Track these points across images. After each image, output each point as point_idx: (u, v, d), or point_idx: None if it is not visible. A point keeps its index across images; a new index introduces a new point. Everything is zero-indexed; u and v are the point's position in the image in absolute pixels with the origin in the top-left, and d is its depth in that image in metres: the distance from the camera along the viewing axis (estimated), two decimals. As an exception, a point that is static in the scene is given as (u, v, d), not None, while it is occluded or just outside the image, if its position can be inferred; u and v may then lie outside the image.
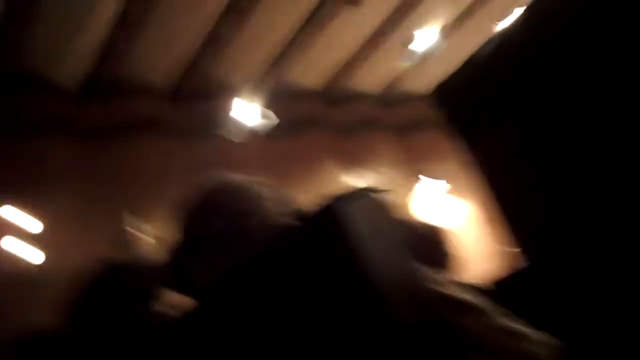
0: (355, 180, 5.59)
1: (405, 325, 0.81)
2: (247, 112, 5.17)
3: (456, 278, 1.91)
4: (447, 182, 5.98)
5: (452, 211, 5.91)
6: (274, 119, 5.07)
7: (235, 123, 5.18)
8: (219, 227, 1.06)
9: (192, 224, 1.11)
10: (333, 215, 0.84)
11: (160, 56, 4.90)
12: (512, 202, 0.66)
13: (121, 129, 4.93)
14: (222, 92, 5.25)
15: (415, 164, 6.03)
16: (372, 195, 0.90)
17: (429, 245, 1.90)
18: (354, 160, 5.74)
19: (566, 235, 0.59)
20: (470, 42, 4.37)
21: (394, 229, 0.91)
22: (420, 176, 5.97)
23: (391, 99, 6.27)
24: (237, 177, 1.17)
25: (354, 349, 0.81)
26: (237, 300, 0.93)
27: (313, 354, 0.84)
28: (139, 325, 1.35)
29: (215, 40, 4.91)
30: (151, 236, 4.01)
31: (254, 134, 5.25)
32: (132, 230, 4.22)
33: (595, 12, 0.53)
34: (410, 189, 5.86)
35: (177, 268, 1.10)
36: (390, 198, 0.92)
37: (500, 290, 1.72)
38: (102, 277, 1.45)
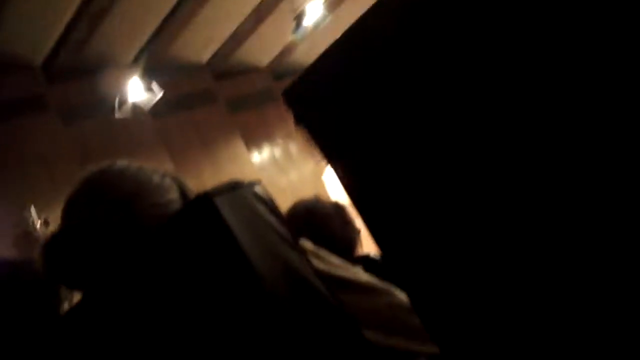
0: (252, 155, 5.56)
1: (287, 304, 0.82)
2: (133, 88, 4.97)
3: (361, 253, 1.93)
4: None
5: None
6: (160, 95, 4.91)
7: (121, 100, 4.97)
8: (100, 214, 1.00)
9: (73, 212, 1.04)
10: (204, 210, 0.82)
11: (34, 30, 4.58)
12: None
13: (1, 110, 4.61)
14: (104, 69, 5.02)
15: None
16: (249, 188, 0.89)
17: (336, 223, 1.90)
18: (248, 135, 5.69)
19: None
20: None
21: (274, 218, 0.90)
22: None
23: (282, 71, 6.24)
24: (124, 163, 1.10)
25: (239, 338, 0.81)
26: (123, 291, 0.89)
27: (198, 344, 0.83)
28: (42, 326, 1.27)
29: (95, 14, 4.65)
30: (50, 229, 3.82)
31: (141, 110, 5.06)
32: (33, 224, 4.00)
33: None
34: (312, 160, 5.90)
35: (57, 259, 1.03)
36: (264, 189, 0.92)
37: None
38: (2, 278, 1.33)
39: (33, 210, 4.13)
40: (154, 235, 0.89)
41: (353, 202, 0.68)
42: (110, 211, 0.98)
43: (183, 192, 1.03)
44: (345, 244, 1.90)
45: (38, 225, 4.04)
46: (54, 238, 1.02)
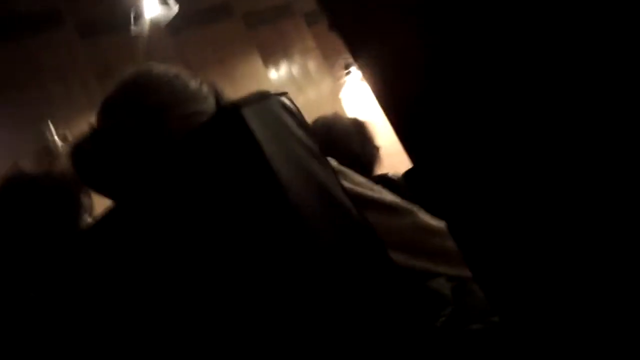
0: (270, 71, 5.47)
1: (320, 227, 0.80)
2: (149, 3, 4.84)
3: (378, 172, 1.91)
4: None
5: (370, 100, 5.92)
6: (176, 10, 4.78)
7: (137, 15, 4.86)
8: (132, 120, 0.97)
9: (107, 115, 1.01)
10: (231, 121, 0.79)
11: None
12: (396, 108, 0.63)
13: (17, 24, 4.52)
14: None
15: (329, 51, 5.92)
16: (276, 98, 0.85)
17: (356, 140, 1.86)
18: (266, 51, 5.58)
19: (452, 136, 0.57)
20: None
21: (303, 131, 0.87)
22: (341, 63, 5.88)
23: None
24: (162, 68, 1.05)
25: (264, 250, 0.79)
26: (153, 199, 0.88)
27: (222, 256, 0.82)
28: (64, 237, 1.26)
29: None
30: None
31: (157, 26, 4.96)
32: (52, 139, 4.00)
33: None
34: (330, 78, 5.80)
35: (86, 160, 1.01)
36: (292, 100, 0.87)
37: (409, 181, 1.75)
38: (23, 187, 1.32)
39: (51, 125, 4.12)
40: (183, 144, 0.86)
41: (385, 112, 0.63)
42: (143, 118, 0.96)
43: (219, 100, 0.99)
44: (365, 161, 1.86)
45: (56, 140, 4.04)
46: (85, 139, 1.00)
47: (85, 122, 1.04)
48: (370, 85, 0.61)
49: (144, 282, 0.89)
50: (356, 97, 5.88)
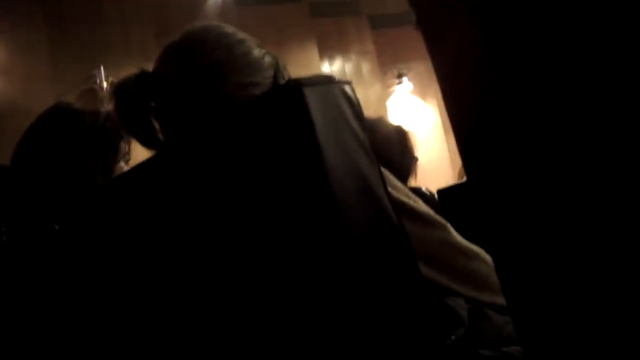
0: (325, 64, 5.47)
1: (357, 224, 0.79)
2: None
3: (413, 183, 1.90)
4: (412, 82, 5.91)
5: (415, 113, 5.89)
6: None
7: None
8: (187, 75, 0.96)
9: (163, 61, 1.01)
10: (291, 98, 0.79)
11: None
12: (462, 114, 0.62)
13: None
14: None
15: (386, 57, 5.90)
16: (339, 85, 0.85)
17: (396, 147, 1.87)
18: (324, 43, 5.58)
19: (509, 156, 0.56)
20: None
21: (358, 124, 0.86)
22: (394, 72, 5.87)
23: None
24: (231, 28, 1.05)
25: (301, 237, 0.79)
26: (190, 160, 0.87)
27: (257, 238, 0.82)
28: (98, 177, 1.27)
29: None
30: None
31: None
32: (100, 83, 4.05)
33: None
34: (380, 83, 5.78)
35: (129, 105, 1.01)
36: (355, 91, 0.87)
37: (443, 200, 1.74)
38: (67, 118, 1.33)
39: (102, 69, 4.16)
40: (236, 111, 0.86)
41: (451, 120, 0.63)
42: (194, 73, 0.95)
43: (277, 75, 0.99)
44: (401, 169, 1.86)
45: (105, 85, 4.09)
46: (131, 80, 0.99)
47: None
48: (441, 89, 0.61)
49: (162, 240, 0.89)
50: (402, 108, 5.85)
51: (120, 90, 0.99)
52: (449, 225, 1.06)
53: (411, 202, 1.05)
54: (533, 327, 0.58)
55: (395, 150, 1.90)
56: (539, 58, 0.53)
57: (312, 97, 0.79)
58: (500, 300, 0.95)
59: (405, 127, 2.10)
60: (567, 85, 0.51)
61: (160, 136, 1.00)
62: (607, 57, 0.48)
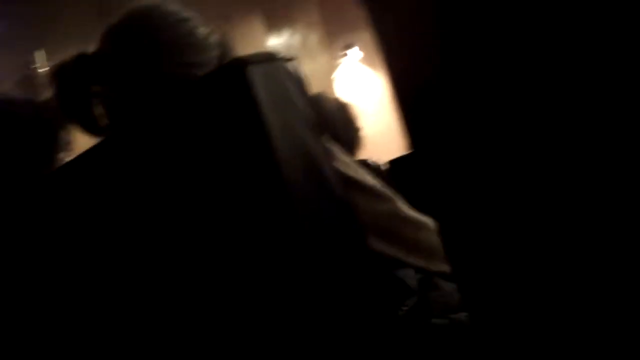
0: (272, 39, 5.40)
1: (305, 202, 0.80)
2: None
3: (360, 156, 1.92)
4: (360, 50, 5.89)
5: (363, 83, 5.90)
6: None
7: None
8: (129, 56, 0.94)
9: (105, 42, 0.97)
10: (235, 77, 0.78)
11: None
12: (407, 83, 0.62)
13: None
14: None
15: (333, 27, 5.86)
16: (283, 61, 0.84)
17: (339, 121, 1.87)
18: (270, 14, 5.50)
19: (451, 126, 0.58)
20: None
21: (303, 101, 0.86)
22: (342, 42, 5.84)
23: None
24: (175, 7, 1.01)
25: (249, 217, 0.79)
26: (140, 143, 0.85)
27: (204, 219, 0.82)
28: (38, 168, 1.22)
29: None
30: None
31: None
32: (39, 69, 3.90)
33: None
34: (328, 54, 5.75)
35: (69, 88, 0.97)
36: (301, 67, 0.87)
37: (395, 170, 1.76)
38: None
39: (42, 54, 4.01)
40: (180, 92, 0.84)
41: (394, 92, 0.63)
42: (136, 54, 0.93)
43: (223, 54, 0.97)
44: (347, 142, 1.87)
45: (43, 71, 3.94)
46: (70, 62, 0.96)
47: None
48: (383, 62, 0.61)
49: (109, 231, 0.88)
50: (351, 78, 5.86)
51: (58, 74, 0.96)
52: (396, 197, 1.07)
53: (359, 176, 1.07)
54: (477, 293, 0.60)
55: (339, 124, 1.91)
56: (482, 29, 0.54)
57: (256, 75, 0.79)
58: (449, 268, 0.98)
59: (346, 99, 2.12)
60: (507, 52, 0.52)
61: (103, 121, 0.97)
62: (540, 31, 0.49)
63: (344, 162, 1.03)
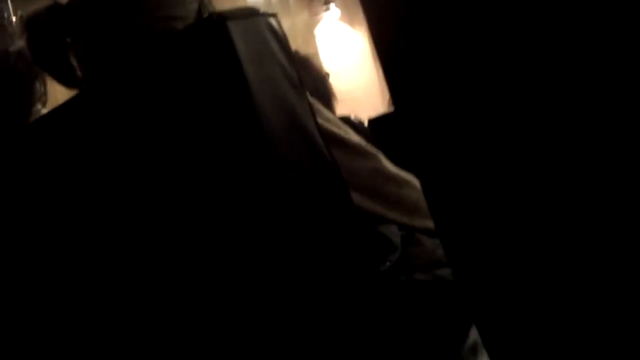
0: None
1: (287, 157, 0.79)
2: None
3: (342, 113, 1.91)
4: (340, 8, 5.82)
5: (343, 41, 5.83)
6: None
7: None
8: (108, 10, 0.91)
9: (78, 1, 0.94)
10: (214, 32, 0.76)
11: None
12: (388, 41, 0.61)
13: None
14: None
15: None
16: (265, 18, 0.82)
17: (305, 76, 1.85)
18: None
19: (433, 86, 0.57)
20: None
21: (285, 57, 0.85)
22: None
23: None
24: None
25: (232, 173, 0.78)
26: (118, 96, 0.84)
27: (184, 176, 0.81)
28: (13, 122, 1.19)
29: None
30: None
31: None
32: (7, 17, 3.77)
33: None
34: (307, 11, 5.66)
35: (42, 39, 0.94)
36: (281, 23, 0.85)
37: (373, 129, 1.76)
38: None
39: (9, 2, 3.88)
40: (159, 46, 0.82)
41: (377, 49, 0.62)
42: (117, 8, 0.90)
43: (201, 8, 0.95)
44: (320, 94, 1.86)
45: (13, 20, 3.82)
46: (43, 12, 0.92)
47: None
48: (368, 21, 0.60)
49: (88, 187, 0.86)
50: (330, 35, 5.79)
51: (31, 24, 0.93)
52: (380, 153, 1.07)
53: (342, 133, 1.06)
54: (460, 248, 0.61)
55: (309, 80, 1.89)
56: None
57: (236, 31, 0.77)
58: (431, 224, 0.98)
59: (301, 53, 2.09)
60: (492, 8, 0.52)
61: (79, 73, 0.95)
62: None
63: (327, 118, 1.03)
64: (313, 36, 5.60)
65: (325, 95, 1.87)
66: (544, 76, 0.50)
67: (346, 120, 1.86)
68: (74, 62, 0.95)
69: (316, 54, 5.36)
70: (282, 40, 0.84)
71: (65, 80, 0.95)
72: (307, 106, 0.84)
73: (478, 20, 0.53)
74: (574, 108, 0.49)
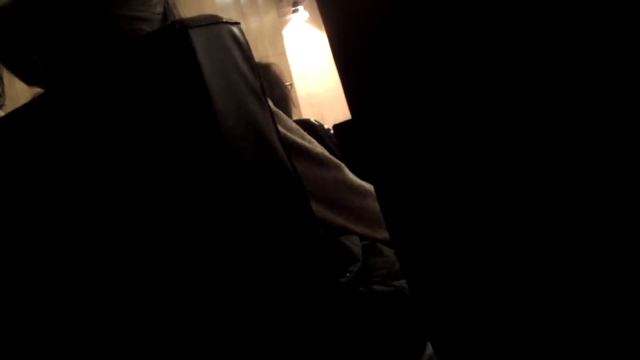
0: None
1: (248, 168, 0.78)
2: None
3: (305, 115, 1.91)
4: (308, 10, 5.83)
5: (311, 42, 5.84)
6: None
7: None
8: (74, 7, 0.89)
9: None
10: (176, 40, 0.75)
11: None
12: (345, 48, 0.62)
13: None
14: None
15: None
16: (227, 26, 0.81)
17: (267, 86, 1.85)
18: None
19: (388, 94, 0.57)
20: None
21: (247, 66, 0.84)
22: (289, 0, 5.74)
23: None
24: None
25: (192, 184, 0.77)
26: (80, 98, 0.82)
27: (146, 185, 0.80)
28: None
29: None
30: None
31: None
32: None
33: None
34: (275, 12, 5.65)
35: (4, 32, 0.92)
36: (242, 31, 0.84)
37: (338, 135, 1.76)
38: None
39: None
40: (123, 48, 0.81)
41: (335, 55, 0.62)
42: (84, 5, 0.88)
43: (166, 11, 0.94)
44: (280, 104, 1.86)
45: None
46: (6, 4, 0.90)
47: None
48: (325, 26, 0.60)
49: (49, 190, 0.85)
50: (298, 37, 5.79)
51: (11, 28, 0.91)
52: (343, 165, 1.07)
53: (306, 143, 1.06)
54: (415, 259, 0.61)
55: (268, 88, 1.90)
56: None
57: (198, 39, 0.76)
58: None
59: (264, 62, 2.10)
60: (453, 12, 0.52)
61: (41, 71, 0.93)
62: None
63: (291, 128, 1.02)
64: (281, 37, 5.59)
65: (285, 103, 1.87)
66: (503, 93, 0.50)
67: (306, 122, 1.86)
68: (37, 59, 0.93)
69: (283, 54, 5.35)
70: (244, 48, 0.83)
71: (27, 78, 0.93)
72: (269, 116, 0.84)
73: (431, 28, 0.53)
74: (528, 116, 0.49)
